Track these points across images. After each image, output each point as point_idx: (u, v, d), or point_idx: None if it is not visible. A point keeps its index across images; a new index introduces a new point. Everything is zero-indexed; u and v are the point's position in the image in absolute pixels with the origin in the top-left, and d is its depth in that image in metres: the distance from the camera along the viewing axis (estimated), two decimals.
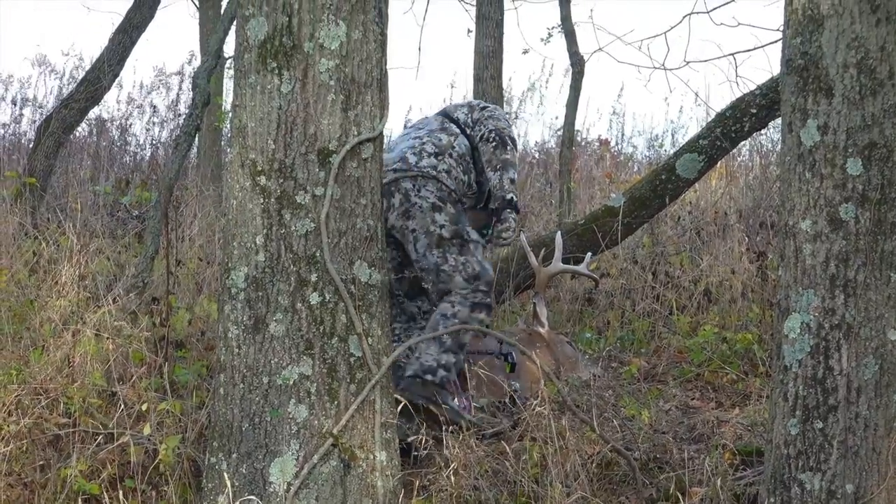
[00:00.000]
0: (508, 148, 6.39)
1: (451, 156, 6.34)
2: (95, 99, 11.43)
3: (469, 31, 11.75)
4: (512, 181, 6.36)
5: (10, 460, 4.76)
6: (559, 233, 7.56)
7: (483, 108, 6.62)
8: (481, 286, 6.08)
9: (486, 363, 6.42)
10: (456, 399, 6.07)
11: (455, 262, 6.08)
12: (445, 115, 6.63)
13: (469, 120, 6.56)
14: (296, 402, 4.42)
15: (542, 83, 15.01)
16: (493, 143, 6.36)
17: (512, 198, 6.33)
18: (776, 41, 10.05)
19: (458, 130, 6.49)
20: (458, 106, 6.73)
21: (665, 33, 11.07)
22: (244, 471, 4.43)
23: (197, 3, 14.49)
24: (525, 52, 12.36)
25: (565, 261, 7.36)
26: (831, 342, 4.16)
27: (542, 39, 12.07)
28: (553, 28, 11.72)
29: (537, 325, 7.21)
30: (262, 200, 4.42)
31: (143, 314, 6.17)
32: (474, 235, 6.22)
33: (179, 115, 14.41)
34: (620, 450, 5.18)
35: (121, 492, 4.69)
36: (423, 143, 6.33)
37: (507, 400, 6.13)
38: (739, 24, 10.45)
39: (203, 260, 8.52)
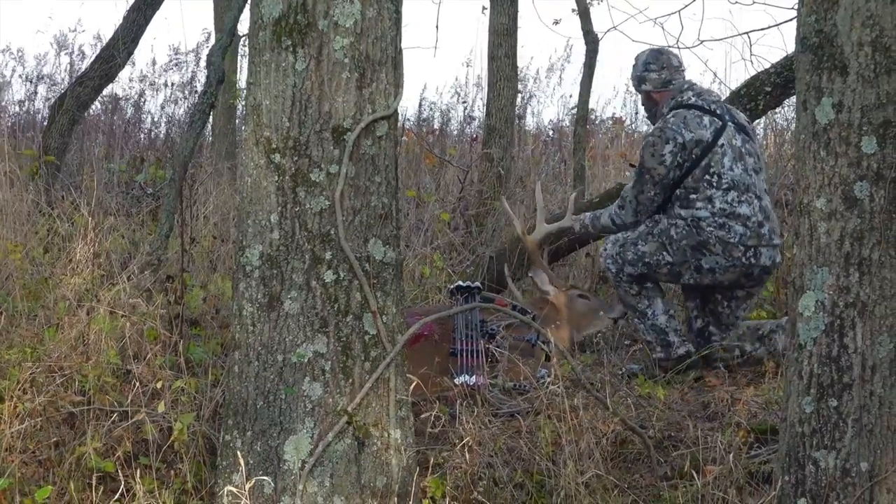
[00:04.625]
0: None
1: None
2: (110, 77, 11.45)
3: (484, 8, 11.71)
4: None
5: (24, 438, 4.77)
6: (537, 189, 7.54)
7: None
8: None
9: (524, 349, 6.45)
10: (474, 377, 6.08)
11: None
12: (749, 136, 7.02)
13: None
14: (310, 379, 4.42)
15: (560, 64, 14.95)
16: None
17: None
18: (791, 20, 10.01)
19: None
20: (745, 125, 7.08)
21: (679, 11, 11.02)
22: (259, 449, 4.44)
23: None
24: (556, 22, 12.29)
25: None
26: (846, 320, 4.16)
27: (554, 21, 12.02)
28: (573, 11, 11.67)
29: (542, 293, 7.26)
30: (276, 178, 4.42)
31: (158, 292, 6.18)
32: None
33: (194, 92, 14.40)
34: (635, 427, 5.18)
35: (136, 470, 4.70)
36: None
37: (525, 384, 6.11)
38: (754, 2, 10.43)
39: (217, 238, 8.53)
